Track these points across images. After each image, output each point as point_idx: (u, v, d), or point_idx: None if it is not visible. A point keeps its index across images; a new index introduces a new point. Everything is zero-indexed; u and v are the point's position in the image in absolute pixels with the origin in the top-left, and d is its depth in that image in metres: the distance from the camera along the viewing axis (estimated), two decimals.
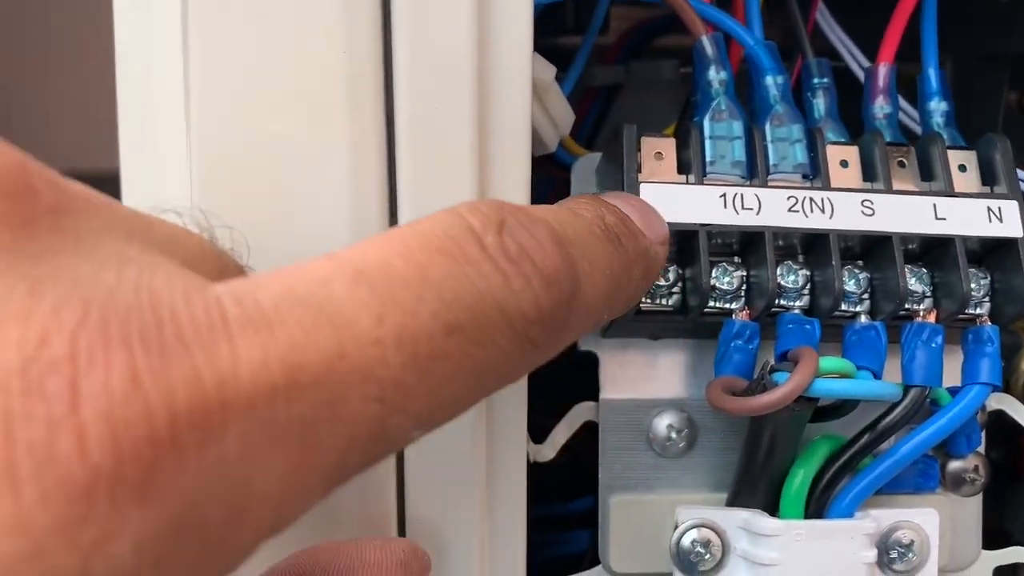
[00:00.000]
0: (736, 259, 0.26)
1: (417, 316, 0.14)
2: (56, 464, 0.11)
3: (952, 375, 0.27)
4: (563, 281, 0.17)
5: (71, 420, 0.11)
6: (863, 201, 0.26)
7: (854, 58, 0.32)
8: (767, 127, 0.27)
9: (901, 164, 0.27)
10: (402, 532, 0.24)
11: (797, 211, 0.26)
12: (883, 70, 0.28)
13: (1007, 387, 0.31)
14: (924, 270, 0.26)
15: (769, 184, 0.26)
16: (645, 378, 0.28)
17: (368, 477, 0.24)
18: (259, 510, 0.13)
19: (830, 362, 0.24)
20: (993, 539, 0.30)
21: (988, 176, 0.27)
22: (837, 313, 0.26)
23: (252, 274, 0.14)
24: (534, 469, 0.27)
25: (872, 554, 0.26)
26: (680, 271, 0.26)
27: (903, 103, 0.31)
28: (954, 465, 0.28)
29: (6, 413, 0.11)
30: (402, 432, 0.14)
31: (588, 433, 0.28)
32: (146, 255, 0.14)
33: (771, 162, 0.26)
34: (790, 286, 0.26)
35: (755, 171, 0.26)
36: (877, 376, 0.26)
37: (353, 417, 0.13)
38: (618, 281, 0.20)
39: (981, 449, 0.28)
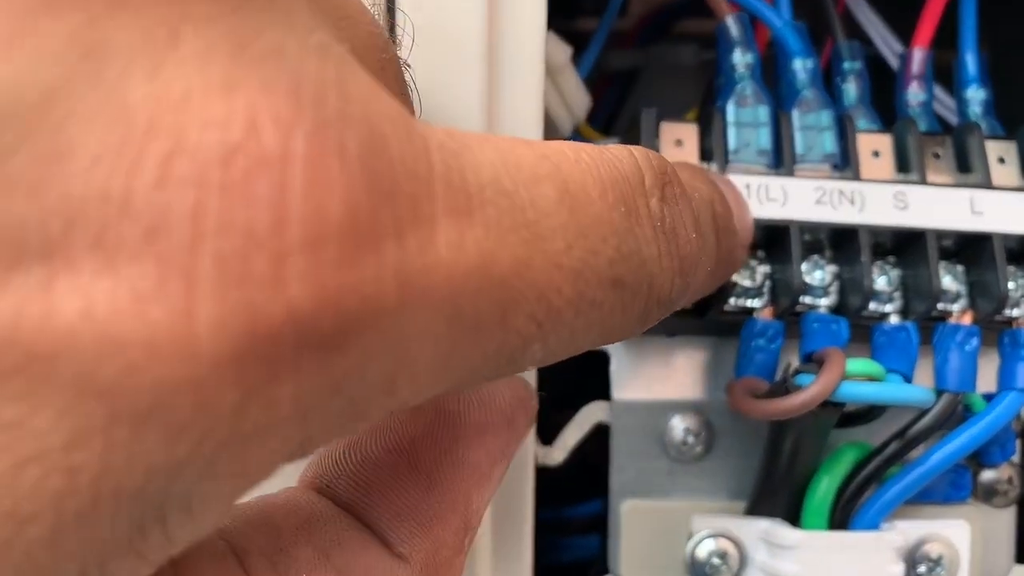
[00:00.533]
0: (759, 254, 0.25)
1: (598, 257, 0.13)
2: (245, 288, 0.09)
3: (987, 379, 0.25)
4: (689, 273, 0.16)
5: (274, 242, 0.10)
6: (896, 194, 0.24)
7: (887, 44, 0.30)
8: (795, 114, 0.25)
9: (936, 155, 0.26)
10: None
11: (825, 203, 0.24)
12: (918, 55, 0.27)
13: None
14: (959, 268, 0.25)
15: (796, 174, 0.24)
16: (660, 378, 0.26)
17: None
18: (407, 388, 0.12)
19: (858, 364, 0.23)
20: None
21: None
22: (866, 312, 0.24)
23: (454, 134, 0.12)
24: (542, 470, 0.26)
25: (899, 568, 0.24)
26: None
27: (939, 92, 0.29)
28: (987, 475, 0.27)
29: (197, 211, 0.09)
30: (530, 362, 0.14)
31: (599, 433, 0.27)
32: (336, 43, 0.11)
33: (798, 151, 0.25)
34: (816, 283, 0.24)
35: (781, 160, 0.25)
36: (908, 380, 0.24)
37: (513, 329, 0.12)
38: (712, 276, 0.19)
39: (1016, 458, 0.27)
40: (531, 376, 0.23)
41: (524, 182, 0.13)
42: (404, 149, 0.11)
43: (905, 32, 0.28)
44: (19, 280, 0.09)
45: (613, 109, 0.38)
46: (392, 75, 0.15)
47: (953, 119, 0.28)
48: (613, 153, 0.15)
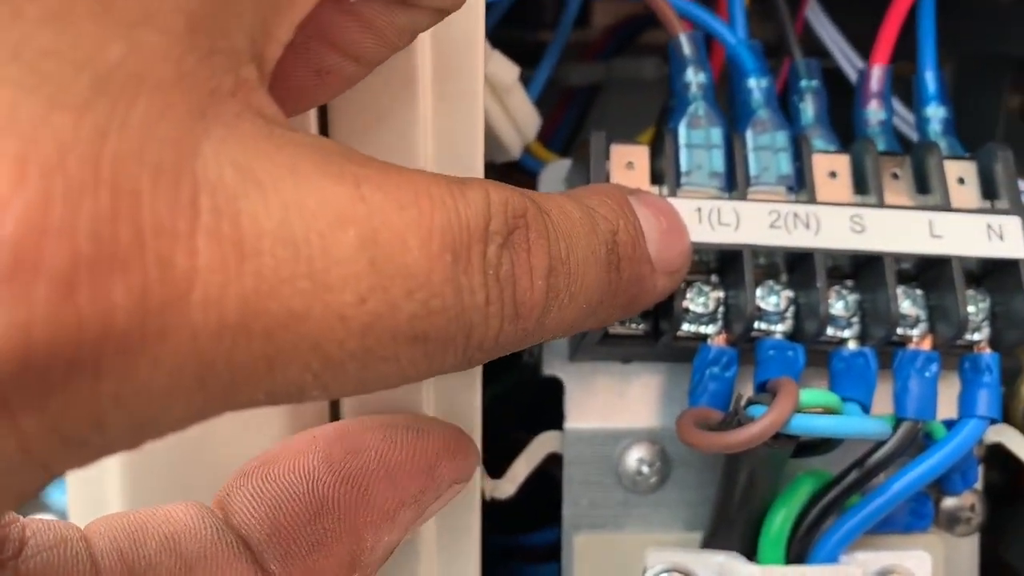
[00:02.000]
0: (713, 279, 0.24)
1: (396, 313, 0.13)
2: None
3: (947, 404, 0.24)
4: (531, 318, 0.15)
5: None
6: (852, 216, 0.24)
7: (847, 58, 0.29)
8: (748, 134, 0.24)
9: (895, 176, 0.25)
10: None
11: (780, 227, 0.23)
12: (877, 73, 0.26)
13: (1007, 414, 0.29)
14: (918, 292, 0.24)
15: (749, 197, 0.24)
16: (614, 406, 0.26)
17: None
18: (154, 433, 0.12)
19: (812, 395, 0.22)
20: (988, 570, 0.28)
21: (988, 189, 0.25)
22: (823, 338, 0.24)
23: (248, 170, 0.12)
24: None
25: None
26: None
27: (899, 106, 0.29)
28: (949, 503, 0.26)
29: None
30: (310, 399, 0.13)
31: (555, 459, 0.26)
32: (123, 63, 0.11)
33: (752, 173, 0.24)
34: (771, 309, 0.24)
35: (735, 183, 0.24)
36: (866, 408, 0.24)
37: (283, 379, 0.12)
38: (595, 310, 0.18)
39: (978, 486, 0.26)
40: (478, 406, 0.23)
41: (320, 228, 0.12)
42: (160, 206, 0.11)
43: (867, 45, 0.27)
44: None
45: (575, 126, 0.37)
46: (234, 83, 0.13)
47: (914, 135, 0.28)
48: (465, 196, 0.14)
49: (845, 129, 0.27)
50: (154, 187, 0.11)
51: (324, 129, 0.20)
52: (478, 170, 0.21)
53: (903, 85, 0.28)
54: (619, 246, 0.18)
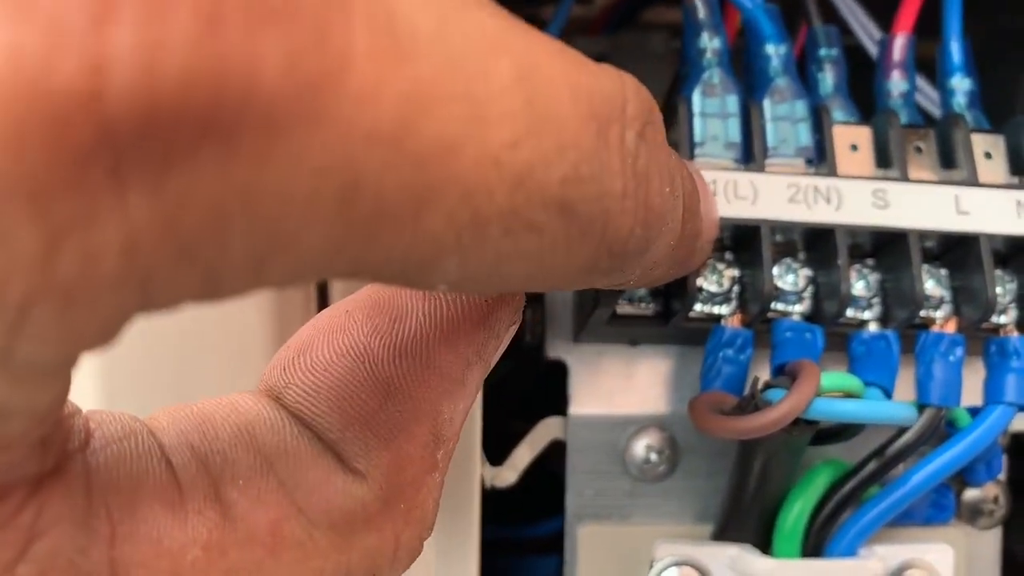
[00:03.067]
0: (727, 256, 0.23)
1: (549, 170, 0.11)
2: (44, 97, 0.07)
3: (972, 391, 0.23)
4: (653, 229, 0.14)
5: (91, 38, 0.07)
6: (875, 191, 0.23)
7: (866, 31, 0.28)
8: (766, 103, 0.23)
9: (918, 149, 0.24)
10: None
11: (799, 202, 0.22)
12: (900, 41, 0.25)
13: None
14: (943, 271, 0.23)
15: (767, 170, 0.22)
16: (621, 390, 0.24)
17: None
18: (277, 274, 0.10)
19: (833, 379, 0.21)
20: (1010, 564, 0.26)
21: (1017, 165, 0.24)
22: (843, 320, 0.23)
23: None
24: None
25: None
26: None
27: (921, 83, 0.28)
28: (971, 494, 0.25)
29: None
30: (441, 280, 0.11)
31: (559, 447, 0.25)
32: None
33: (770, 144, 0.23)
34: (789, 288, 0.22)
35: (751, 154, 0.23)
36: (888, 393, 0.22)
37: (426, 231, 0.10)
38: (669, 256, 0.16)
39: (1002, 476, 0.25)
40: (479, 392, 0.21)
41: (478, 49, 0.10)
42: None
43: (885, 23, 0.26)
44: None
45: None
46: None
47: (936, 112, 0.26)
48: (602, 68, 0.12)
49: (863, 103, 0.26)
50: None
51: None
52: None
53: (925, 65, 0.27)
54: (686, 195, 0.16)
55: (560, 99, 0.11)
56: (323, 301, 0.19)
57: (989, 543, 0.25)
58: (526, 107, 0.11)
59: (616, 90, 0.12)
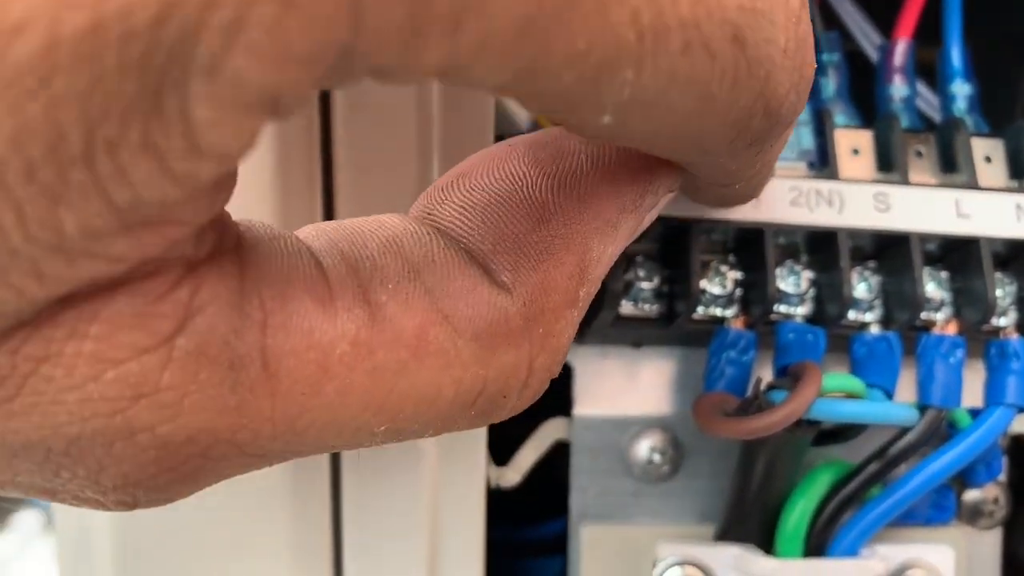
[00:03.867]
0: (730, 259, 0.23)
1: None
2: None
3: (972, 393, 0.23)
4: (801, 102, 0.14)
5: None
6: (876, 194, 0.23)
7: (867, 37, 0.28)
8: None
9: (919, 153, 0.24)
10: (337, 565, 0.21)
11: (801, 204, 0.22)
12: (901, 46, 0.25)
13: None
14: (944, 274, 0.23)
15: None
16: (625, 391, 0.24)
17: (300, 500, 0.21)
18: (461, 33, 0.10)
19: (836, 380, 0.21)
20: (1010, 564, 0.27)
21: (1017, 169, 0.24)
22: (845, 322, 0.23)
23: None
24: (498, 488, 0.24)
25: None
26: (666, 272, 0.23)
27: (921, 88, 0.28)
28: (971, 495, 0.25)
29: None
30: (615, 95, 0.11)
31: (562, 448, 0.25)
32: None
33: None
34: (791, 290, 0.23)
35: None
36: (889, 394, 0.23)
37: (609, 24, 0.10)
38: (771, 164, 0.16)
39: (1002, 477, 0.25)
40: None
41: None
42: None
43: (886, 29, 0.26)
44: None
45: None
46: None
47: (936, 116, 0.27)
48: None
49: (864, 107, 0.26)
50: None
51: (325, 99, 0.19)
52: (488, 140, 0.20)
53: (924, 71, 0.27)
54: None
55: None
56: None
57: (990, 543, 0.26)
58: None
59: None
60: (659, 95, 0.11)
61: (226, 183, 0.11)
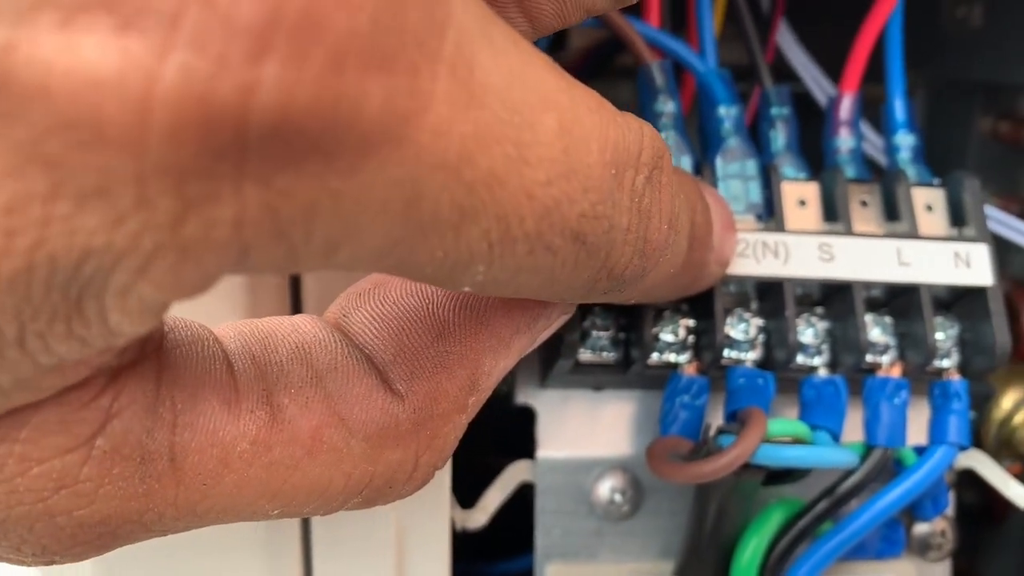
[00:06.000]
0: (683, 307, 0.24)
1: (572, 205, 0.13)
2: (206, 91, 0.09)
3: (918, 429, 0.24)
4: (650, 259, 0.16)
5: (247, 70, 0.10)
6: (821, 245, 0.24)
7: (818, 84, 0.30)
8: (718, 162, 0.25)
9: (864, 203, 0.25)
10: None
11: (748, 256, 0.23)
12: (846, 101, 0.26)
13: (978, 439, 0.29)
14: (887, 319, 0.24)
15: None
16: (587, 434, 0.26)
17: (271, 546, 0.22)
18: (344, 257, 0.12)
19: (781, 425, 0.22)
20: None
21: (956, 217, 0.25)
22: (793, 366, 0.24)
23: (486, 20, 0.12)
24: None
25: None
26: (622, 320, 0.24)
27: (869, 131, 0.29)
28: (920, 529, 0.26)
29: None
30: (469, 282, 0.13)
31: (526, 489, 0.26)
32: None
33: None
34: (741, 337, 0.24)
35: None
36: (836, 436, 0.24)
37: (464, 239, 0.12)
38: (672, 279, 0.18)
39: (949, 511, 0.26)
40: None
41: (532, 104, 0.12)
42: (421, 13, 0.11)
43: (838, 67, 0.27)
44: None
45: None
46: None
47: (882, 158, 0.28)
48: (626, 119, 0.14)
49: (816, 150, 0.27)
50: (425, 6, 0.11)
51: None
52: None
53: (874, 107, 0.28)
54: (695, 226, 0.18)
55: (590, 149, 0.13)
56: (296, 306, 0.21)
57: (939, 575, 0.27)
58: (562, 155, 0.13)
59: (635, 140, 0.14)
60: (509, 280, 0.13)
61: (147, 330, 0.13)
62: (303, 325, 0.16)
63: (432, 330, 0.16)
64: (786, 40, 0.30)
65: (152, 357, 0.14)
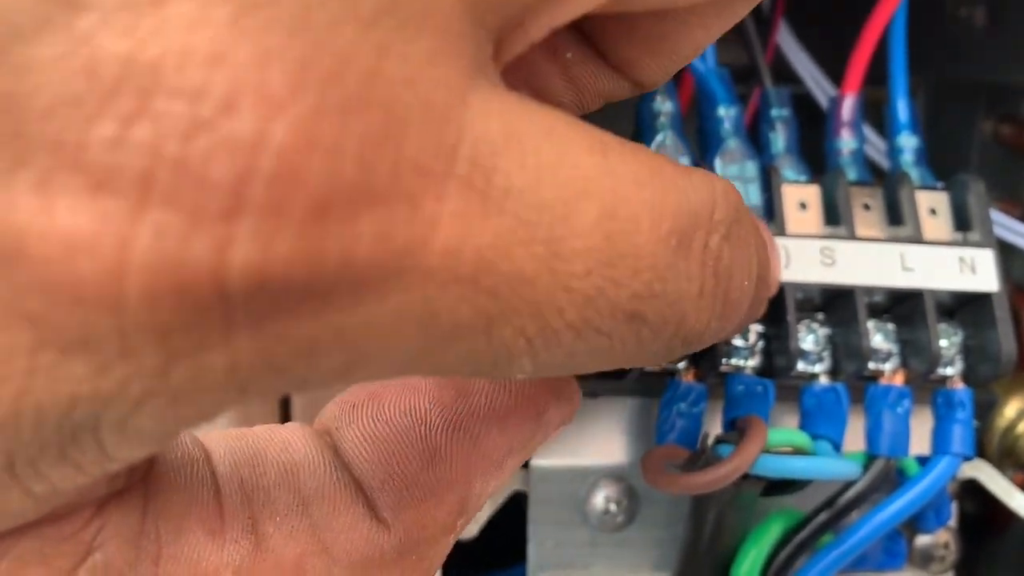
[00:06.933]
0: None
1: (619, 290, 0.12)
2: (176, 263, 0.09)
3: (921, 439, 0.24)
4: (733, 320, 0.15)
5: (219, 228, 0.09)
6: (823, 249, 0.23)
7: (819, 85, 0.29)
8: (717, 164, 0.24)
9: (866, 207, 0.24)
10: None
11: None
12: (848, 102, 0.26)
13: (981, 448, 0.29)
14: (890, 326, 0.24)
15: None
16: (581, 442, 0.25)
17: None
18: (362, 375, 0.11)
19: (781, 435, 0.21)
20: None
21: (961, 221, 0.25)
22: (794, 373, 0.23)
23: (511, 124, 0.11)
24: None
25: None
26: None
27: (871, 134, 0.29)
28: (922, 541, 0.25)
29: (145, 181, 0.09)
30: (518, 371, 0.12)
31: (519, 498, 0.25)
32: None
33: None
34: (740, 344, 0.23)
35: None
36: (837, 445, 0.23)
37: (498, 340, 0.12)
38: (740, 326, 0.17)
39: (952, 523, 0.26)
40: None
41: (567, 197, 0.12)
42: (424, 142, 0.10)
43: (839, 70, 0.27)
44: None
45: None
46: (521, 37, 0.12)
47: (885, 161, 0.27)
48: (691, 180, 0.13)
49: (817, 153, 0.26)
50: (422, 122, 0.10)
51: None
52: None
53: (876, 110, 0.27)
54: (760, 264, 0.17)
55: (639, 228, 0.12)
56: (285, 415, 0.21)
57: None
58: (603, 242, 0.12)
59: (704, 199, 0.13)
60: (563, 365, 0.13)
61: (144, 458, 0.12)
62: (294, 442, 0.16)
63: (424, 455, 0.16)
64: (786, 41, 0.29)
65: (139, 485, 0.14)
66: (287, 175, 0.09)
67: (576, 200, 0.12)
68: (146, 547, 0.13)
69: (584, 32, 0.16)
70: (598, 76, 0.16)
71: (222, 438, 0.16)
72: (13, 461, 0.10)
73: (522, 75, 0.15)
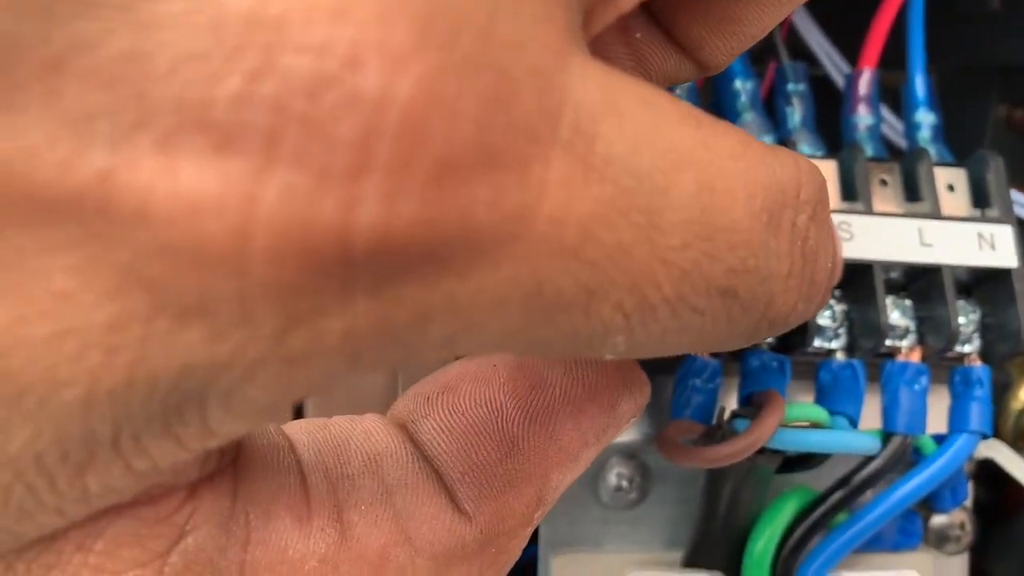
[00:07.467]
0: None
1: (714, 264, 0.12)
2: (303, 223, 0.09)
3: (938, 417, 0.24)
4: (815, 302, 0.15)
5: (346, 187, 0.09)
6: (840, 224, 0.23)
7: (834, 63, 0.29)
8: None
9: (883, 182, 0.24)
10: None
11: None
12: (865, 76, 0.25)
13: (996, 429, 0.28)
14: (907, 302, 0.24)
15: None
16: None
17: None
18: (465, 347, 0.11)
19: (799, 409, 0.21)
20: None
21: (979, 197, 0.24)
22: (810, 350, 0.23)
23: (610, 91, 0.11)
24: None
25: None
26: None
27: (887, 114, 0.28)
28: (938, 520, 0.25)
29: (271, 139, 0.09)
30: (611, 351, 0.12)
31: None
32: None
33: None
34: None
35: None
36: (854, 422, 0.23)
37: (596, 316, 0.11)
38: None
39: (968, 503, 0.25)
40: None
41: (665, 167, 0.11)
42: (532, 105, 0.10)
43: (854, 53, 0.27)
44: (86, 161, 0.09)
45: None
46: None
47: (902, 143, 0.27)
48: (777, 156, 0.13)
49: (830, 135, 0.26)
50: (531, 86, 0.10)
51: None
52: None
53: (890, 95, 0.27)
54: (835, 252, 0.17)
55: (735, 202, 0.12)
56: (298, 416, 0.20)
57: (956, 568, 0.26)
58: (701, 215, 0.12)
59: (791, 177, 0.13)
60: (655, 344, 0.13)
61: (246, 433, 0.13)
62: (375, 433, 0.16)
63: (501, 446, 0.16)
64: (802, 19, 0.29)
65: (228, 469, 0.14)
66: (412, 133, 0.09)
67: (674, 171, 0.11)
68: (235, 532, 0.13)
69: (653, 12, 0.16)
70: (665, 57, 0.16)
71: (304, 427, 0.15)
72: (119, 435, 0.10)
73: (592, 53, 0.15)
